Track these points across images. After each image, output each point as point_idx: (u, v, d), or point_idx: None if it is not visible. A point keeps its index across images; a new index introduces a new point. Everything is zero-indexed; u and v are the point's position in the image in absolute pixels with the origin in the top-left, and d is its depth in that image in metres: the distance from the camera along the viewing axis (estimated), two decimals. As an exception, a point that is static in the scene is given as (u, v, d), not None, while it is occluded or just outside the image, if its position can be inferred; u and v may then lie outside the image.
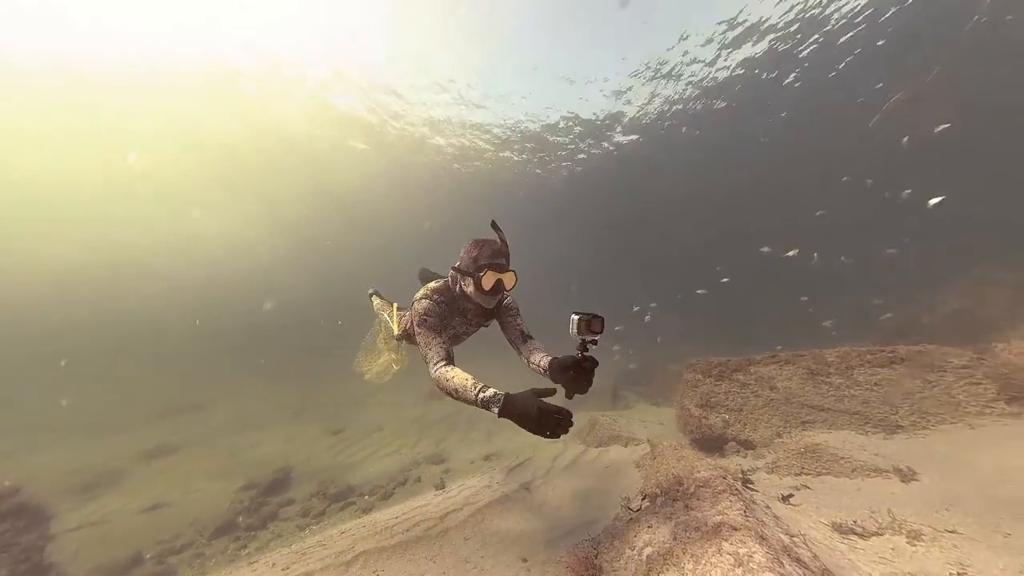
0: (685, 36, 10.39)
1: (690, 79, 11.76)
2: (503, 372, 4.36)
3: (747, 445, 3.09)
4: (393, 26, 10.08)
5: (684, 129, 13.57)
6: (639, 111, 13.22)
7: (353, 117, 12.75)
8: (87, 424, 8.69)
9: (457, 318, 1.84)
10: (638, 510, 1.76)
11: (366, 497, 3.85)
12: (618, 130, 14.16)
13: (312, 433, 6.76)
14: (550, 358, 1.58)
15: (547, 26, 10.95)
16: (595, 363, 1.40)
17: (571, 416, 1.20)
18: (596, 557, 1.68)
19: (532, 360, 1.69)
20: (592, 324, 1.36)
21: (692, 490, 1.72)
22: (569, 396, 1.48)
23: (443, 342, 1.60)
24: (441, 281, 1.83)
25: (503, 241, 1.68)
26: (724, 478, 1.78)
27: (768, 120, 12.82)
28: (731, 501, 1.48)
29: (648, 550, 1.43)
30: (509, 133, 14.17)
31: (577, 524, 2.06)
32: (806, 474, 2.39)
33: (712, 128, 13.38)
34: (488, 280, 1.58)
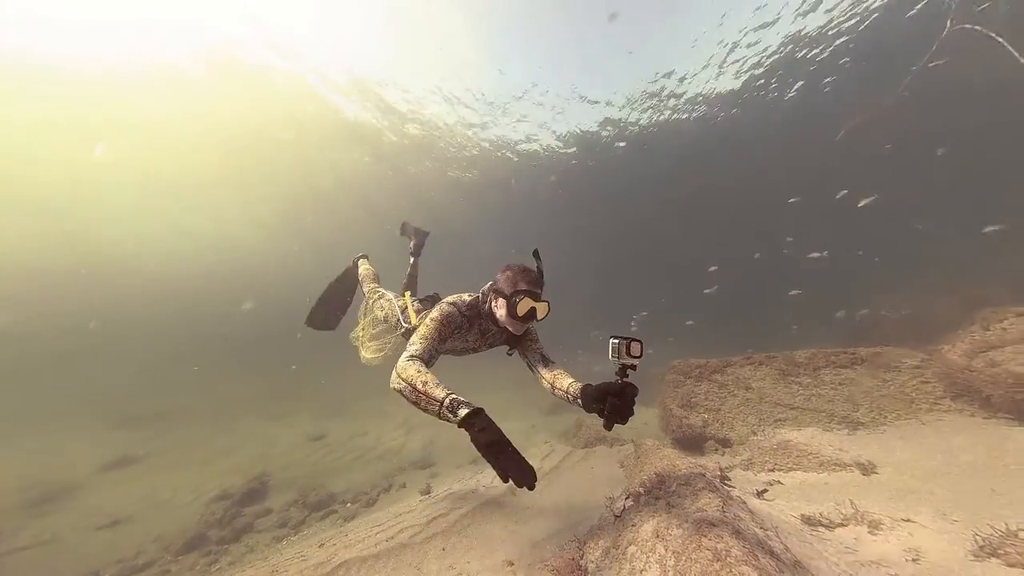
0: (669, 73, 10.90)
1: (672, 102, 12.32)
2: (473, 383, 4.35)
3: (725, 443, 3.22)
4: (393, 26, 9.89)
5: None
6: (619, 126, 13.64)
7: (347, 117, 12.38)
8: (39, 433, 7.97)
9: (475, 334, 1.80)
10: (622, 509, 1.80)
11: (349, 505, 3.74)
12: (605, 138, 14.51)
13: (292, 439, 6.52)
14: (580, 385, 1.50)
15: (541, 36, 11.07)
16: (636, 390, 1.29)
17: (535, 479, 1.10)
18: (582, 558, 1.70)
19: (558, 386, 1.61)
20: (632, 347, 1.29)
21: (674, 488, 1.78)
22: (608, 427, 1.33)
23: (437, 349, 1.54)
24: (473, 296, 1.79)
25: (540, 271, 1.66)
26: (703, 476, 1.84)
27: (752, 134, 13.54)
28: (710, 498, 1.54)
29: (632, 548, 1.46)
30: (501, 142, 14.19)
31: (564, 525, 2.08)
32: (779, 470, 2.51)
33: (691, 144, 14.00)
34: (523, 306, 1.55)
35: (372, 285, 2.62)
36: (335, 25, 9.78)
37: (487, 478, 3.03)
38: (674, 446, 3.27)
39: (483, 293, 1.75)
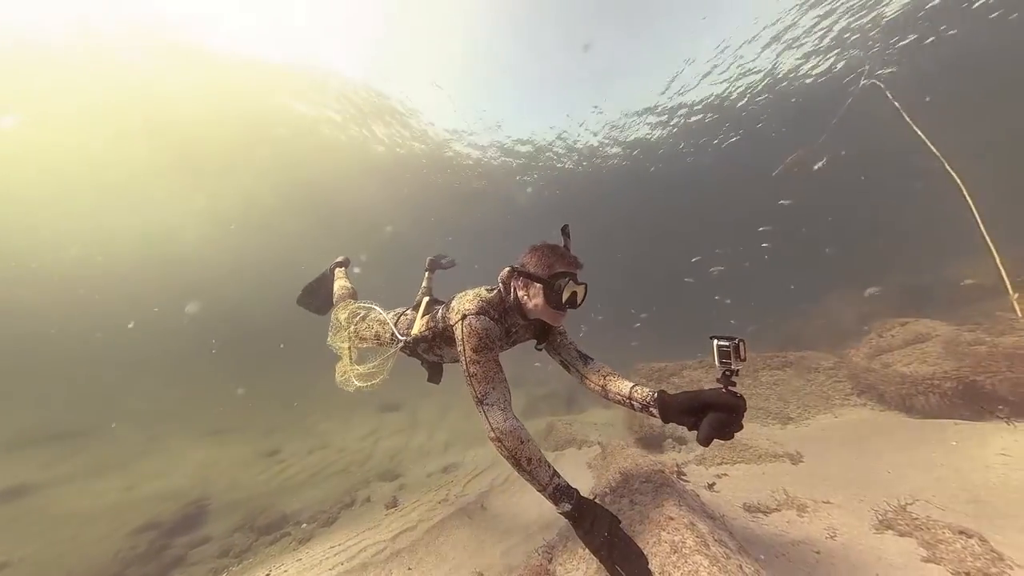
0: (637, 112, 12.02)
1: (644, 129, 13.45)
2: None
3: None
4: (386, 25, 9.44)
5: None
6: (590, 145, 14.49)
7: (321, 111, 11.51)
8: None
9: (502, 339, 1.49)
10: (590, 510, 1.86)
11: (304, 526, 3.40)
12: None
13: (238, 456, 5.82)
14: (650, 390, 1.29)
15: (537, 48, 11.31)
16: (746, 404, 1.07)
17: (648, 566, 0.99)
18: (550, 562, 1.72)
19: (614, 389, 1.39)
20: (740, 350, 1.09)
21: (636, 486, 1.88)
22: (707, 443, 1.07)
23: (506, 380, 1.29)
24: (491, 290, 1.49)
25: (568, 249, 1.43)
26: (663, 472, 1.98)
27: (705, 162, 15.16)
28: (668, 493, 1.66)
29: (598, 548, 1.52)
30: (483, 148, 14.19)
31: (534, 530, 2.10)
32: (726, 463, 2.77)
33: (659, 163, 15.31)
34: (568, 291, 1.34)
35: (353, 306, 2.17)
36: (296, 11, 9.14)
37: (458, 486, 2.95)
38: (637, 445, 3.45)
39: (503, 283, 1.44)
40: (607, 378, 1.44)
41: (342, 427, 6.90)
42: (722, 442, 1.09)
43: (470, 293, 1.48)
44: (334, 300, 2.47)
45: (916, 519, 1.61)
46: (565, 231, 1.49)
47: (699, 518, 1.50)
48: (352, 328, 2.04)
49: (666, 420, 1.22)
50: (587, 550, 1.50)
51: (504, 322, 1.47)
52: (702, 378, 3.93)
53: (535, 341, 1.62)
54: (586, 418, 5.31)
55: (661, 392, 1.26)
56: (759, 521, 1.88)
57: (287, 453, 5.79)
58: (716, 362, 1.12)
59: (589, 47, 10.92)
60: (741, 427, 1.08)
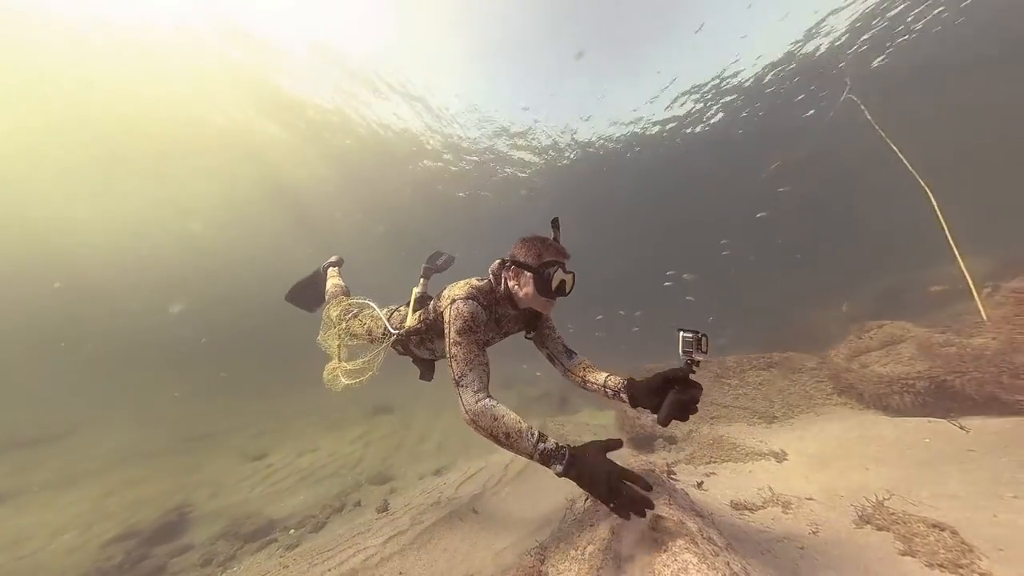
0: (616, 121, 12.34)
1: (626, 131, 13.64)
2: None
3: (671, 440, 3.53)
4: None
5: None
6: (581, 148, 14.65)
7: (301, 101, 11.20)
8: None
9: (492, 326, 1.55)
10: (582, 511, 1.87)
11: (292, 531, 3.31)
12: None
13: (223, 462, 5.60)
14: (621, 378, 1.41)
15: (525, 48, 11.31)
16: (701, 388, 1.22)
17: (651, 488, 1.07)
18: (542, 563, 1.72)
19: (592, 380, 1.49)
20: (702, 343, 1.21)
21: (628, 486, 1.90)
22: (665, 422, 1.25)
23: (485, 362, 1.32)
24: (483, 281, 1.53)
25: (557, 241, 1.48)
26: (653, 471, 2.00)
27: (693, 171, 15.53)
28: (658, 492, 1.68)
29: (590, 548, 1.53)
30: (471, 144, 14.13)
31: (526, 532, 2.09)
32: (714, 462, 2.83)
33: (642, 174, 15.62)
34: (556, 279, 1.38)
35: (346, 303, 2.16)
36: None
37: (450, 488, 2.92)
38: (629, 446, 3.49)
39: (494, 274, 1.51)
40: (586, 370, 1.54)
41: (333, 430, 6.73)
42: (681, 423, 1.23)
43: (461, 282, 1.52)
44: (326, 298, 2.43)
45: (893, 514, 1.67)
46: (555, 223, 1.54)
47: (688, 516, 1.53)
48: (343, 325, 2.03)
49: (634, 404, 1.33)
50: (579, 551, 1.50)
51: (495, 311, 1.51)
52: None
53: (526, 333, 1.68)
54: (579, 419, 5.35)
55: (630, 379, 1.38)
56: (746, 518, 1.92)
57: (275, 457, 5.60)
58: (680, 351, 1.21)
59: (582, 55, 11.01)
60: (696, 410, 1.21)
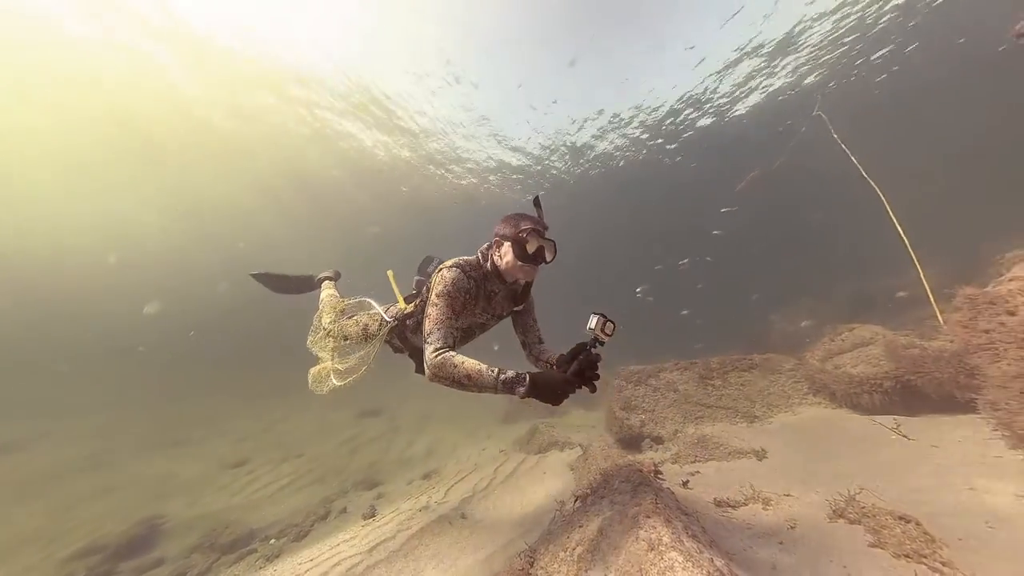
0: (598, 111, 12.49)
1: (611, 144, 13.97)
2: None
3: (658, 440, 3.60)
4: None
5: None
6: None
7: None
8: None
9: (482, 303, 1.63)
10: (571, 512, 1.88)
11: (272, 541, 3.18)
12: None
13: (199, 469, 5.32)
14: (558, 355, 1.61)
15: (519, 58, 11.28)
16: (600, 358, 1.39)
17: (598, 360, 1.29)
18: (532, 566, 1.72)
19: (543, 358, 1.71)
20: (606, 326, 1.37)
21: (616, 485, 1.93)
22: (571, 376, 1.44)
23: (457, 326, 1.44)
24: (472, 257, 1.63)
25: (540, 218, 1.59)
26: (640, 471, 2.04)
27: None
28: (646, 492, 1.71)
29: (579, 549, 1.54)
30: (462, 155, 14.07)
31: (516, 534, 2.09)
32: (699, 461, 2.90)
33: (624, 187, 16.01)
34: (533, 243, 1.47)
35: (341, 306, 2.11)
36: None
37: (439, 493, 2.88)
38: (617, 446, 3.54)
39: (482, 253, 1.62)
40: (543, 352, 1.76)
41: (319, 434, 6.52)
42: (590, 393, 1.40)
43: (450, 260, 1.63)
44: (319, 304, 2.36)
45: (864, 507, 1.76)
46: (536, 202, 1.63)
47: (674, 515, 1.56)
48: (338, 325, 2.01)
49: (558, 368, 1.51)
50: (568, 552, 1.51)
51: (484, 287, 1.61)
52: (677, 380, 4.12)
53: (514, 307, 1.78)
54: (568, 421, 5.38)
55: (560, 355, 1.58)
56: (729, 516, 1.98)
57: (257, 463, 5.35)
58: (587, 327, 1.38)
59: (575, 62, 11.12)
60: (596, 376, 1.37)
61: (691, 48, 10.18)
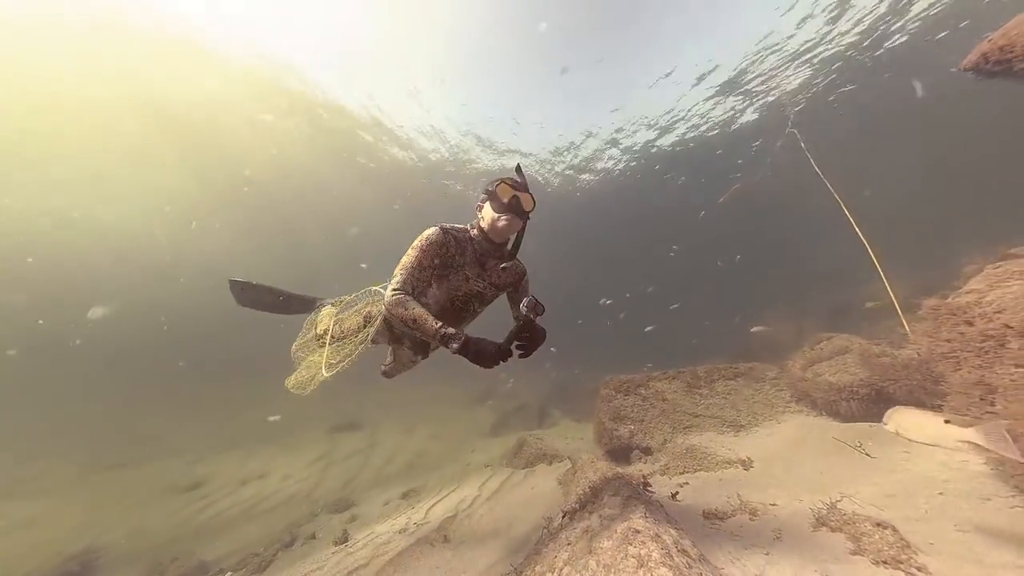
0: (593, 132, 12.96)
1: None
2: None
3: (647, 451, 3.59)
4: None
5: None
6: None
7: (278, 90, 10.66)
8: None
9: (473, 267, 1.69)
10: (559, 528, 1.84)
11: (229, 574, 2.93)
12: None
13: (146, 493, 4.86)
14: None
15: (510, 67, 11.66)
16: (533, 327, 1.54)
17: (498, 357, 1.38)
18: (519, 587, 1.66)
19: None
20: (537, 307, 1.53)
21: (605, 499, 1.90)
22: (506, 344, 1.54)
23: (423, 279, 1.54)
24: (462, 224, 1.72)
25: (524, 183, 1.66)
26: (630, 484, 2.02)
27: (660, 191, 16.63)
28: (635, 506, 1.69)
29: (567, 568, 1.50)
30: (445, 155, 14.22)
31: (501, 556, 2.01)
32: (687, 472, 2.90)
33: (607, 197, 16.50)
34: (504, 190, 1.53)
35: (341, 303, 2.10)
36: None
37: (419, 513, 2.75)
38: (606, 458, 3.51)
39: (471, 225, 1.71)
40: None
41: (288, 451, 6.09)
42: (524, 358, 1.51)
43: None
44: (315, 317, 2.23)
45: (844, 515, 1.80)
46: (518, 169, 1.72)
47: (663, 530, 1.55)
48: (336, 322, 1.96)
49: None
50: (555, 573, 1.47)
51: (474, 248, 1.68)
52: (666, 389, 4.16)
53: (506, 260, 1.83)
54: (557, 432, 5.30)
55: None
56: (717, 528, 1.98)
57: (214, 485, 4.93)
58: (520, 307, 1.55)
59: (566, 70, 11.52)
60: (526, 346, 1.51)
61: (668, 75, 10.78)
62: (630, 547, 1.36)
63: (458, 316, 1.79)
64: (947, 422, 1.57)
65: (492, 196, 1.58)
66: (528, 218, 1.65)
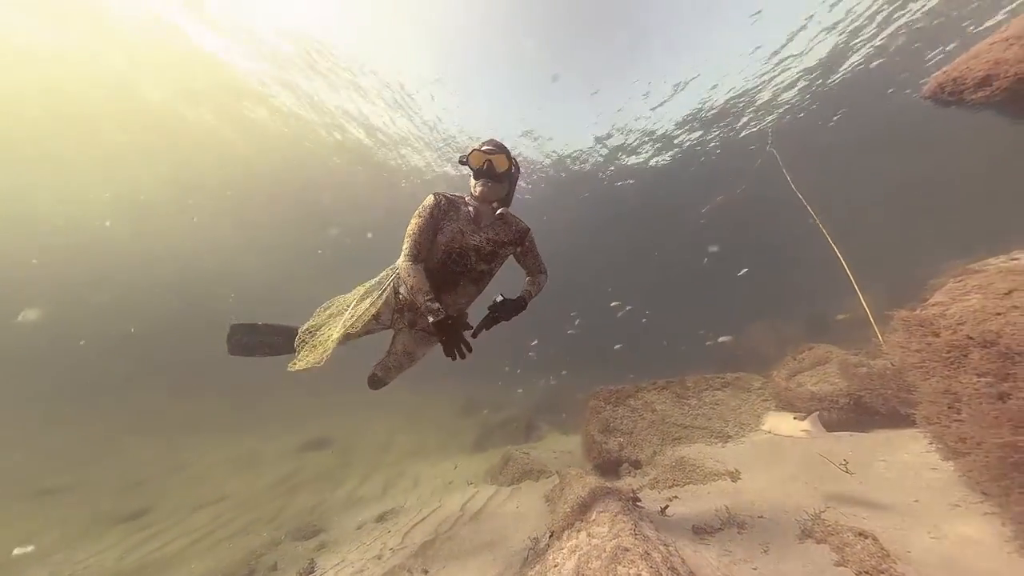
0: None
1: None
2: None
3: (636, 465, 3.57)
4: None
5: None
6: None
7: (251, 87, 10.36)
8: None
9: (467, 222, 1.82)
10: (545, 549, 1.80)
11: None
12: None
13: (78, 525, 4.11)
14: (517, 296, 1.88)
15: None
16: (502, 312, 1.77)
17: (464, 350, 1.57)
18: (507, 612, 1.60)
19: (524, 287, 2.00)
20: (506, 304, 1.76)
21: (593, 516, 1.88)
22: (479, 327, 1.79)
23: (426, 240, 1.72)
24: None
25: (504, 148, 1.79)
26: (619, 500, 2.01)
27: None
28: (624, 523, 1.68)
29: (556, 590, 1.46)
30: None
31: (489, 578, 1.94)
32: (677, 485, 2.90)
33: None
34: (476, 158, 1.71)
35: (357, 291, 2.19)
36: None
37: (395, 537, 2.61)
38: (595, 472, 3.47)
39: (468, 194, 1.88)
40: (526, 281, 2.02)
41: (247, 471, 5.49)
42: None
43: None
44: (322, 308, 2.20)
45: (828, 525, 1.82)
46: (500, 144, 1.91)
47: (653, 547, 1.54)
48: (354, 306, 1.96)
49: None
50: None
51: (467, 210, 1.83)
52: (655, 400, 4.18)
53: (501, 207, 1.97)
54: (545, 446, 5.21)
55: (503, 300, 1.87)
56: (706, 542, 1.97)
57: (160, 513, 4.29)
58: (495, 300, 1.77)
59: (557, 77, 11.82)
60: (489, 325, 1.76)
61: (646, 95, 11.28)
62: (619, 567, 1.35)
63: (458, 269, 1.81)
64: (795, 418, 2.33)
65: (465, 163, 1.77)
66: (510, 176, 1.81)
